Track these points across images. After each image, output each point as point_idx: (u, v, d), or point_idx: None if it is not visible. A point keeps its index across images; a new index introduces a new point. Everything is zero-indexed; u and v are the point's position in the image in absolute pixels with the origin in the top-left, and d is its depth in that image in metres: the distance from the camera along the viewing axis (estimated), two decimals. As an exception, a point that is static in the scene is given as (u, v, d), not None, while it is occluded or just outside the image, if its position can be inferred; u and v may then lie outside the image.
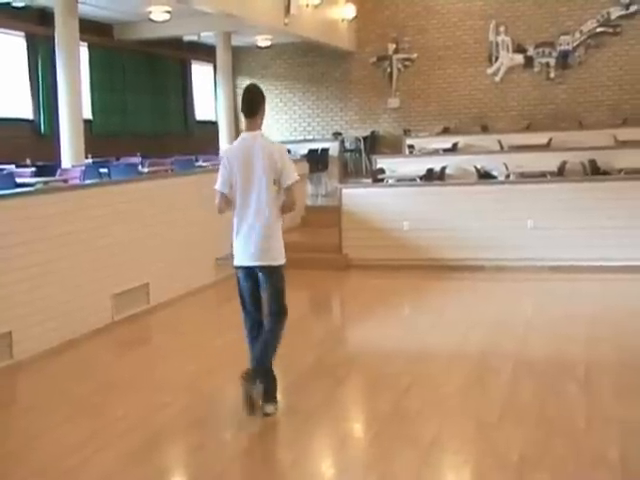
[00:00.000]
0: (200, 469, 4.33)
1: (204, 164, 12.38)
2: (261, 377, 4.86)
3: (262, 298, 4.97)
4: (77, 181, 9.55)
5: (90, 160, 12.08)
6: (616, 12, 16.65)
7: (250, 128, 4.93)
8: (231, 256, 5.01)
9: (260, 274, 4.88)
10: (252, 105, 4.89)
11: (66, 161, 11.23)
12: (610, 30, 16.75)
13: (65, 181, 9.65)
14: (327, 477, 4.29)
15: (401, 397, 5.21)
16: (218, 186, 4.89)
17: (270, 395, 4.94)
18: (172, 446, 4.79)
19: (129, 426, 4.89)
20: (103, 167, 11.06)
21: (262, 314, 5.01)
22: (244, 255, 4.86)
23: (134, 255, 7.77)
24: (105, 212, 7.40)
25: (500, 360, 5.90)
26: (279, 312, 4.93)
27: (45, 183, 9.31)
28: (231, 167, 4.84)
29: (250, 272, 4.90)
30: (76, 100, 11.41)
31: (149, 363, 6.40)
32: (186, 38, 17.26)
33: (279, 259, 4.87)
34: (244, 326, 5.13)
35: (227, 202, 4.89)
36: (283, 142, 18.07)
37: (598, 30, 16.81)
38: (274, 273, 4.86)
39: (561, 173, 10.66)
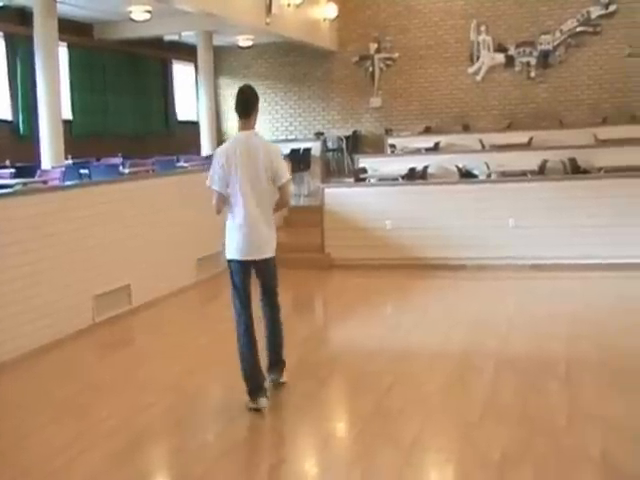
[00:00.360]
0: (183, 470, 4.32)
1: (185, 164, 12.34)
2: (279, 367, 5.31)
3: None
4: (57, 182, 9.49)
5: (70, 161, 11.99)
6: (596, 12, 16.76)
7: (244, 128, 5.07)
8: (222, 252, 5.18)
9: (258, 267, 5.11)
10: (246, 106, 5.06)
11: (46, 162, 11.15)
12: (590, 29, 16.87)
13: (45, 182, 9.59)
14: (310, 477, 4.29)
15: (383, 396, 5.22)
16: (215, 186, 5.01)
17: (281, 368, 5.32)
18: (155, 447, 4.77)
19: (113, 427, 4.88)
20: (83, 168, 10.99)
21: (251, 311, 5.13)
22: (243, 250, 5.03)
23: (115, 256, 7.73)
24: (85, 213, 7.36)
25: (482, 359, 5.93)
26: (277, 302, 5.27)
27: (24, 184, 9.23)
28: (228, 166, 4.95)
29: (247, 266, 5.06)
30: (55, 100, 11.34)
31: (132, 364, 6.37)
32: (167, 38, 17.17)
33: (273, 252, 5.15)
34: (239, 328, 5.10)
35: (224, 201, 5.04)
36: (265, 142, 18.22)
37: (578, 29, 16.92)
38: (271, 265, 5.16)
39: (542, 172, 10.73)
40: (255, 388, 4.99)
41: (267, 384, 5.18)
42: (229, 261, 5.15)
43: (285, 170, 5.07)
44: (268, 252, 5.11)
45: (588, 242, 8.95)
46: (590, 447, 4.23)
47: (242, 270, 5.08)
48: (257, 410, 4.94)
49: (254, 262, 5.08)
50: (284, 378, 5.43)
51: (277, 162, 5.01)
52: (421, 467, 4.28)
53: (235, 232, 5.06)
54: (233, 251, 5.08)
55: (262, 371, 5.13)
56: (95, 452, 4.50)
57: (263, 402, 4.96)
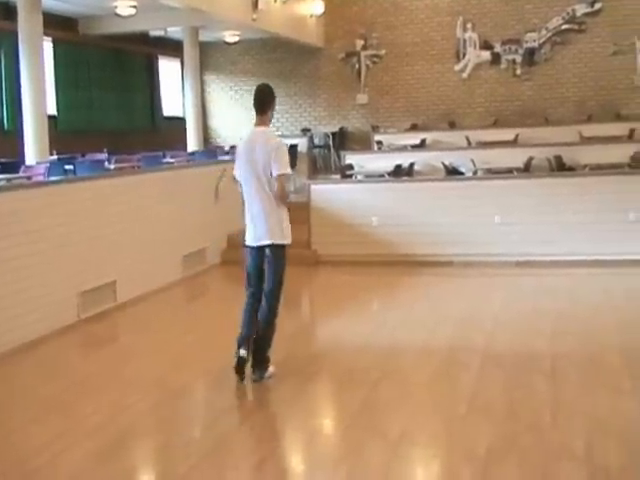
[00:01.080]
0: (168, 467, 4.30)
1: (171, 160, 12.28)
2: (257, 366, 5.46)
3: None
4: (41, 178, 9.42)
5: (55, 157, 11.91)
6: (581, 9, 16.84)
7: (259, 123, 5.54)
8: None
9: (260, 254, 5.48)
10: (261, 103, 5.51)
11: (30, 158, 11.07)
12: (575, 27, 16.94)
13: (29, 178, 9.52)
14: (297, 473, 4.29)
15: (371, 391, 5.22)
16: (235, 173, 5.59)
17: (258, 364, 5.42)
18: (141, 444, 4.76)
19: (98, 424, 4.85)
20: (68, 164, 10.91)
21: (252, 292, 5.58)
22: (250, 236, 5.50)
23: (101, 252, 7.69)
24: (70, 209, 7.31)
25: (468, 354, 5.94)
26: (269, 300, 5.46)
27: (8, 180, 9.16)
28: (239, 158, 5.53)
29: (255, 251, 5.50)
30: (40, 96, 11.26)
31: (117, 361, 6.34)
32: (153, 33, 17.09)
33: (278, 239, 5.42)
34: (246, 296, 5.60)
35: (240, 186, 5.55)
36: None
37: (563, 27, 16.99)
38: (272, 257, 5.43)
39: (527, 169, 10.78)
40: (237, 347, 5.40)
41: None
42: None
43: (281, 164, 5.33)
44: (264, 240, 5.42)
45: (573, 239, 9.00)
46: (574, 442, 4.25)
47: (248, 254, 5.55)
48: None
49: (257, 248, 5.48)
50: (266, 375, 5.45)
51: (275, 156, 5.31)
52: (408, 462, 4.28)
53: (246, 219, 5.54)
54: (246, 235, 5.57)
55: (246, 344, 5.41)
56: (79, 449, 4.48)
57: (237, 359, 5.37)
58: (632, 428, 4.46)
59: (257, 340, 5.44)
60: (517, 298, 7.87)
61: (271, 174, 5.32)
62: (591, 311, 7.16)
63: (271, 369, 5.50)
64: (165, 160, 12.37)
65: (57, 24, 14.05)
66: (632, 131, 13.22)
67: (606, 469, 3.96)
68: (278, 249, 5.45)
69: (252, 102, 5.52)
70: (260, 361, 5.43)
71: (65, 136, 14.01)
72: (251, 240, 5.49)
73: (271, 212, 5.40)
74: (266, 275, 5.47)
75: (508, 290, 8.28)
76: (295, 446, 4.66)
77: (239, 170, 5.50)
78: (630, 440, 4.29)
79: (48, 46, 14.25)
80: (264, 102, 5.50)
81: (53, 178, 9.28)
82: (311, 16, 17.64)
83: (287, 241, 5.49)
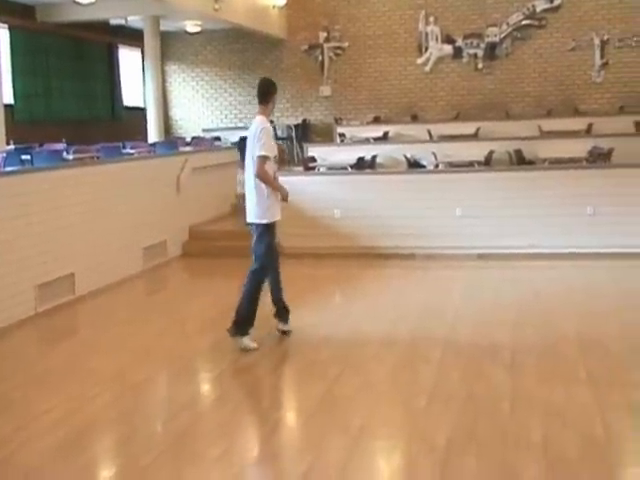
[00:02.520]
0: (128, 461, 4.26)
1: (132, 151, 12.13)
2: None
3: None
4: (-2, 168, 9.24)
5: (12, 147, 11.68)
6: (541, 5, 17.03)
7: (258, 112, 6.15)
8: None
9: (250, 229, 6.11)
10: (261, 94, 6.10)
11: (-14, 147, 10.84)
12: (535, 23, 17.13)
13: (-15, 168, 9.32)
14: (258, 465, 4.28)
15: (332, 384, 5.23)
16: None
17: (235, 325, 5.93)
18: (101, 438, 4.70)
19: (57, 419, 4.77)
20: (25, 154, 10.70)
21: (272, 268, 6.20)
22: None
23: (58, 244, 7.56)
24: (27, 200, 7.17)
25: (430, 346, 5.99)
26: (253, 269, 6.02)
27: (-36, 170, 8.97)
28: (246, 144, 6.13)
29: (250, 227, 6.13)
30: (-3, 84, 11.02)
31: (76, 354, 6.24)
32: (113, 22, 16.83)
33: (255, 218, 6.01)
34: None
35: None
36: (214, 129, 18.03)
37: (524, 23, 17.17)
38: (254, 230, 6.04)
39: (488, 162, 10.88)
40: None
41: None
42: None
43: (260, 147, 5.84)
44: (251, 218, 6.05)
45: (533, 232, 9.11)
46: (532, 433, 4.31)
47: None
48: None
49: (249, 225, 6.11)
50: (240, 343, 5.90)
51: (256, 140, 5.88)
52: (369, 454, 4.30)
53: None
54: None
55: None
56: (38, 444, 4.41)
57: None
58: (588, 418, 4.53)
59: (238, 305, 5.95)
60: (478, 290, 7.95)
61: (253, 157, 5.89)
62: (550, 303, 7.26)
63: (247, 342, 5.87)
64: (125, 151, 12.21)
65: (14, 11, 13.78)
66: (590, 126, 13.43)
67: (564, 459, 4.02)
68: (258, 228, 6.00)
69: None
70: (237, 323, 5.91)
71: (22, 125, 13.76)
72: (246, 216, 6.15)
73: (253, 192, 5.97)
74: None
75: (469, 282, 8.36)
76: (256, 439, 4.65)
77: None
78: (586, 429, 4.36)
79: (4, 33, 13.98)
80: (263, 93, 6.09)
81: (9, 168, 9.11)
82: (274, 7, 17.55)
83: (264, 221, 5.97)
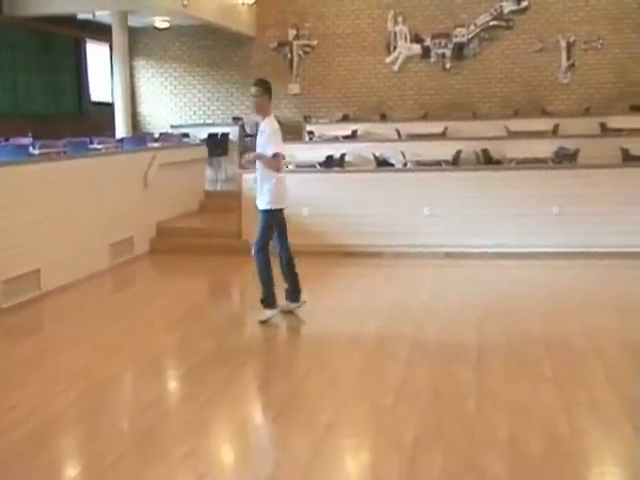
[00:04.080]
0: (93, 458, 4.22)
1: (99, 147, 11.99)
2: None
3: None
4: (-39, 162, 9.06)
5: (-24, 141, 11.48)
6: (508, 7, 17.19)
7: (270, 110, 6.82)
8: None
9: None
10: (269, 90, 6.75)
11: (-51, 141, 10.64)
12: (503, 24, 17.28)
13: (-52, 162, 9.13)
14: (224, 462, 4.27)
15: (299, 382, 5.24)
16: None
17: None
18: (65, 436, 4.65)
19: (20, 416, 4.72)
20: (-10, 148, 10.53)
21: (282, 249, 6.88)
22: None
23: (24, 240, 7.46)
24: (-8, 195, 7.07)
25: (396, 344, 6.02)
26: (255, 247, 6.64)
27: None
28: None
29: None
30: (-40, 77, 10.82)
31: (41, 351, 6.17)
32: (80, 16, 16.61)
33: (260, 205, 6.70)
34: None
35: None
36: (182, 125, 17.91)
37: (492, 24, 17.30)
38: (260, 215, 6.71)
39: (456, 162, 10.96)
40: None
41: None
42: None
43: (271, 147, 6.64)
44: (259, 205, 6.72)
45: (501, 231, 9.20)
46: (498, 431, 4.35)
47: None
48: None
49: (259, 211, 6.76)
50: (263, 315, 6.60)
51: (266, 139, 6.67)
52: (335, 451, 4.31)
53: None
54: None
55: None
56: (1, 442, 4.34)
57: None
58: (553, 416, 4.59)
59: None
60: (445, 289, 8.01)
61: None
62: (516, 302, 7.34)
63: (268, 313, 6.60)
64: (92, 146, 12.05)
65: (-21, 3, 13.52)
66: (556, 127, 13.61)
67: (529, 456, 4.07)
68: (263, 213, 6.66)
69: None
70: (262, 301, 6.67)
71: (-13, 120, 13.53)
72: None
73: (260, 181, 6.73)
74: None
75: (436, 281, 8.42)
76: (223, 437, 4.64)
77: None
78: (551, 427, 4.42)
79: (-31, 26, 13.73)
80: (270, 89, 6.77)
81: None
82: (243, 4, 17.47)
83: (269, 207, 6.64)
